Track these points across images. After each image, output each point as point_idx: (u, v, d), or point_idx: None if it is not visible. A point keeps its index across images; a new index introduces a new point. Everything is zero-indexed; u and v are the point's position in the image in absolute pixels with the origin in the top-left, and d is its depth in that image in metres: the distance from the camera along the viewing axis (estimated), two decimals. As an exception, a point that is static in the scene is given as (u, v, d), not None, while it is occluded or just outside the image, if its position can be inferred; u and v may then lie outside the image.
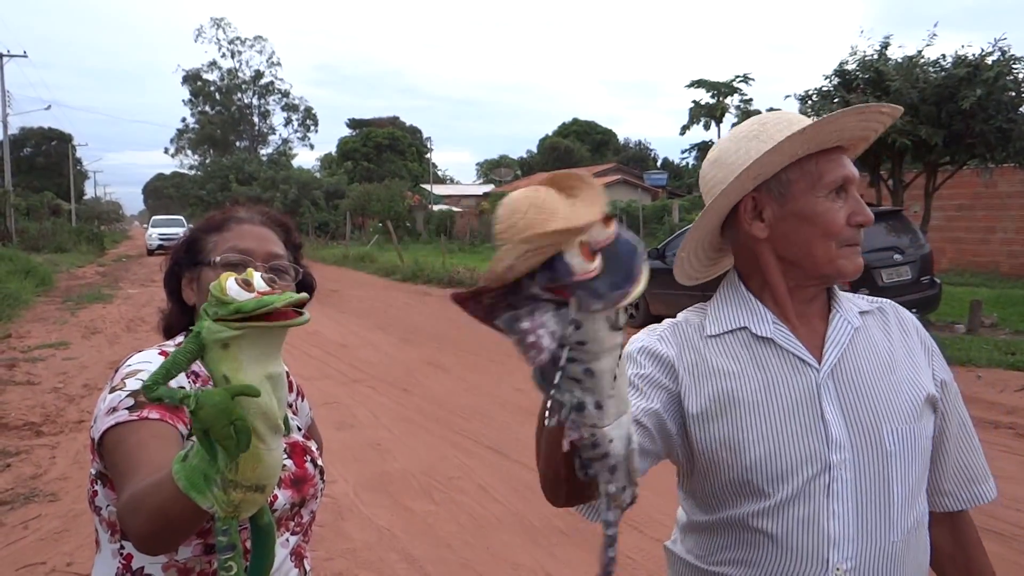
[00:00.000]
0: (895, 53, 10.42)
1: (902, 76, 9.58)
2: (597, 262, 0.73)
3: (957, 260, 14.96)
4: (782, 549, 1.12)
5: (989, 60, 9.44)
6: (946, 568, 1.29)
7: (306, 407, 1.60)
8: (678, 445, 1.21)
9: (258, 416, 0.84)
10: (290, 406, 1.52)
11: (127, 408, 1.13)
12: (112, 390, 1.18)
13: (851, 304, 1.25)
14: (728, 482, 1.17)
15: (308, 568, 1.38)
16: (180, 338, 1.38)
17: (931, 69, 9.70)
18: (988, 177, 13.81)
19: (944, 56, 9.92)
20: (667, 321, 1.29)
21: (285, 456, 1.33)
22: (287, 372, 1.55)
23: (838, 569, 1.10)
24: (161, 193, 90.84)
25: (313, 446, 1.44)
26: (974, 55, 9.60)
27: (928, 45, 10.08)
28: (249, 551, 1.02)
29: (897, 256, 8.10)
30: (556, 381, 0.78)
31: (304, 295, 0.87)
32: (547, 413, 0.81)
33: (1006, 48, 9.52)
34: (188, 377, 1.27)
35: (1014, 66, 9.40)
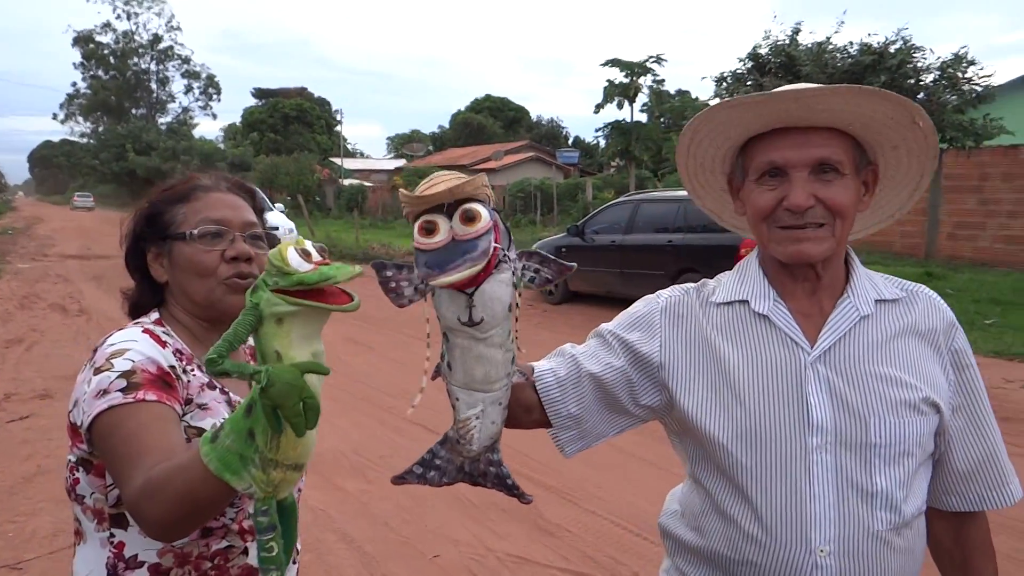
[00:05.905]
0: (806, 39, 10.80)
1: (812, 61, 9.92)
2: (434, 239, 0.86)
3: (859, 239, 15.69)
4: (763, 526, 1.12)
5: (892, 48, 9.87)
6: (943, 562, 1.30)
7: None
8: (658, 407, 1.22)
9: None
10: None
11: (119, 390, 1.05)
12: (97, 371, 1.09)
13: (872, 290, 1.22)
14: (710, 449, 1.17)
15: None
16: (155, 315, 1.29)
17: (839, 55, 10.07)
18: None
19: (851, 43, 10.33)
20: (679, 285, 1.30)
21: None
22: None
23: (821, 551, 1.10)
24: (50, 162, 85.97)
25: None
26: (879, 43, 10.03)
27: (836, 32, 10.48)
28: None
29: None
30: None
31: (359, 268, 0.86)
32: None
33: (908, 37, 9.99)
34: (175, 356, 1.19)
35: (914, 55, 9.86)
